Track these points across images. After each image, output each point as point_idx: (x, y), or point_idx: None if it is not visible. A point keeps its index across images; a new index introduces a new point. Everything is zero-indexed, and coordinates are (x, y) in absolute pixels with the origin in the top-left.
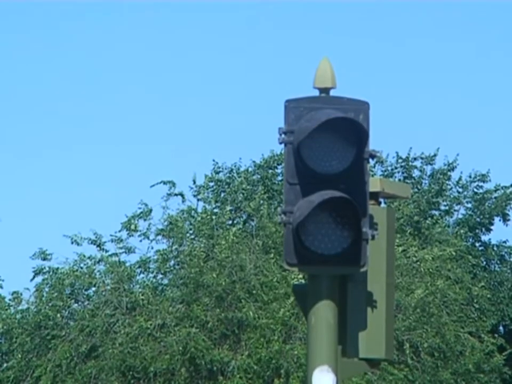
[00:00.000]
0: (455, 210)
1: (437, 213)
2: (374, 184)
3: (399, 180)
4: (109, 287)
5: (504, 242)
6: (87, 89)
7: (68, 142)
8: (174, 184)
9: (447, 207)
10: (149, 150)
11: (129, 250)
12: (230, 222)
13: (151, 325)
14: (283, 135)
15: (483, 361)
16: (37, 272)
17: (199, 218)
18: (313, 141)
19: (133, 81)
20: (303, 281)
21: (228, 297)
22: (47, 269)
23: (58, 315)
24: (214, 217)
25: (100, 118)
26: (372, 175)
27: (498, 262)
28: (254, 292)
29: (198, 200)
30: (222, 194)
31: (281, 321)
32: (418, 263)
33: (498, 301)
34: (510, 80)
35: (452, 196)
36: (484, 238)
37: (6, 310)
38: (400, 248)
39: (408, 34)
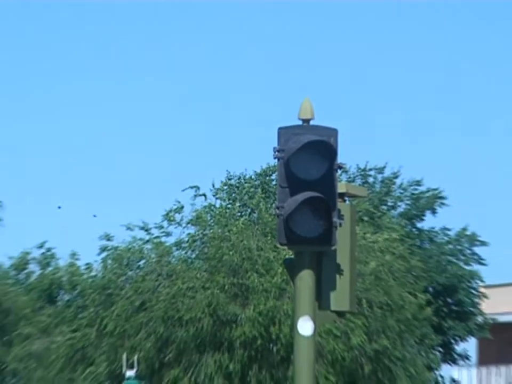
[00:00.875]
0: (398, 205)
1: (385, 207)
2: (341, 187)
3: (359, 184)
4: (154, 260)
5: (433, 228)
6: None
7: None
8: (198, 188)
9: (392, 204)
10: (181, 163)
11: (168, 234)
12: (239, 214)
13: (185, 287)
14: (277, 152)
15: (417, 312)
16: (102, 249)
17: (217, 212)
18: (298, 157)
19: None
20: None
21: (239, 270)
22: (110, 247)
23: (118, 280)
24: (227, 210)
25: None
26: (339, 181)
27: (428, 242)
28: (257, 266)
29: (216, 198)
30: (233, 194)
31: (275, 286)
32: (372, 243)
33: (428, 270)
34: (436, 103)
35: (396, 196)
36: (419, 225)
37: (81, 276)
38: (360, 233)
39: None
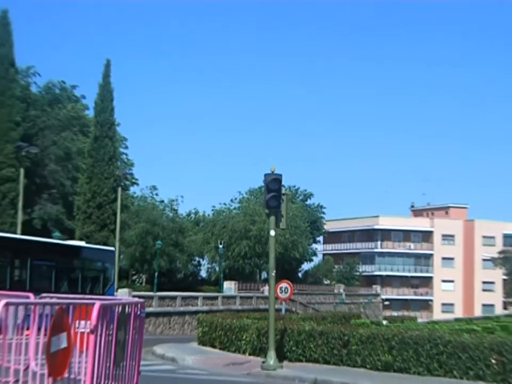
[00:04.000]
0: (299, 197)
1: (295, 199)
2: (283, 191)
3: (289, 191)
4: (227, 213)
5: (309, 203)
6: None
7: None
8: (240, 192)
9: (297, 197)
10: (236, 180)
11: (231, 205)
12: (254, 201)
13: (236, 221)
14: (264, 181)
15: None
16: (212, 210)
17: (247, 199)
18: (270, 183)
19: None
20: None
21: (253, 215)
22: (215, 208)
23: (217, 218)
24: (250, 199)
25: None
26: (282, 189)
27: (305, 204)
28: (258, 214)
29: (246, 194)
30: (252, 193)
31: (262, 220)
32: (292, 208)
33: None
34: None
35: (298, 194)
36: (306, 203)
37: (206, 218)
38: (289, 205)
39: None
